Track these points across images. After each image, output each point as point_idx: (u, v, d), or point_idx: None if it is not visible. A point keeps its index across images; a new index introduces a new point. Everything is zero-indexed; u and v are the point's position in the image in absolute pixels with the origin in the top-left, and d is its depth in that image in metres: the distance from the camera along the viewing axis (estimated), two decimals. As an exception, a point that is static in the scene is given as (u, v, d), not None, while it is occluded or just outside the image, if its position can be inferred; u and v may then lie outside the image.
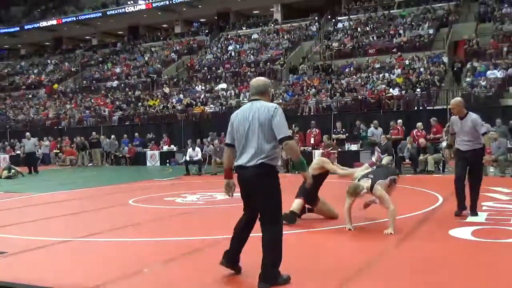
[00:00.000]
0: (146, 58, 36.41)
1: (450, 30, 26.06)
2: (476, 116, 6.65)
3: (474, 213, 6.64)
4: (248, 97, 24.06)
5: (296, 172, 15.49)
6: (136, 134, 23.89)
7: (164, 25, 43.93)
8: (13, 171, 17.33)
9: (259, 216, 4.02)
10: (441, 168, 13.98)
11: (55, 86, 36.92)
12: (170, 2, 38.28)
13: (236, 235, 4.23)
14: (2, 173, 17.12)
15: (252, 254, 4.11)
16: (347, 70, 25.35)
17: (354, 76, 24.10)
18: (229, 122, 4.18)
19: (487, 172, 11.76)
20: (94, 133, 23.51)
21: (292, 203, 6.64)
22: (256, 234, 4.10)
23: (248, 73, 28.51)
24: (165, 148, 22.63)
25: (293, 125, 18.25)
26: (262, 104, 3.97)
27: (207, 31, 38.73)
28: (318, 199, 6.76)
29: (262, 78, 4.37)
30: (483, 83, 19.41)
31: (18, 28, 45.95)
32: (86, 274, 4.47)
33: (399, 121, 16.07)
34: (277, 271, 3.96)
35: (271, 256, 3.91)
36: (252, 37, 33.94)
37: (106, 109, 29.20)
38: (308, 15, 34.65)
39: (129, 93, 31.06)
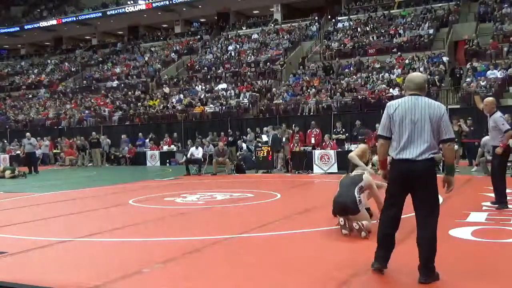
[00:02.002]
0: (146, 58, 36.42)
1: (450, 30, 26.07)
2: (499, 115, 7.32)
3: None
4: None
5: (296, 172, 15.52)
6: (140, 134, 23.94)
7: (164, 25, 43.94)
8: (17, 171, 17.39)
9: (420, 210, 3.94)
10: (441, 168, 13.96)
11: (62, 84, 37.12)
12: (170, 2, 38.29)
13: (388, 233, 4.11)
14: (5, 174, 17.16)
15: (248, 255, 4.09)
16: (347, 70, 25.36)
17: (354, 76, 24.11)
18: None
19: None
20: (94, 133, 23.52)
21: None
22: (266, 233, 4.08)
23: (248, 73, 28.53)
24: (165, 148, 22.63)
25: (293, 125, 18.27)
26: (430, 101, 4.02)
27: (207, 31, 38.76)
28: None
29: (420, 74, 4.35)
30: (483, 83, 19.41)
31: (18, 28, 45.96)
32: (86, 274, 4.47)
33: None
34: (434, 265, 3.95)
35: (433, 249, 3.91)
36: (252, 37, 33.95)
37: (106, 109, 29.20)
38: (308, 15, 34.67)
39: (129, 93, 31.06)
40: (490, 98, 7.73)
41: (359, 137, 8.97)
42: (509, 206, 7.24)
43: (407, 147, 3.93)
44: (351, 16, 31.72)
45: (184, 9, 39.70)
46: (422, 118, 3.92)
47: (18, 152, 23.59)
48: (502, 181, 7.35)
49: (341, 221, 5.62)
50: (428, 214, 3.92)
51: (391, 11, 30.68)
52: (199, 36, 37.75)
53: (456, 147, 13.84)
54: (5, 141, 26.67)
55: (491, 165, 7.64)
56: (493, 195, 7.56)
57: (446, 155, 4.15)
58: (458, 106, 19.02)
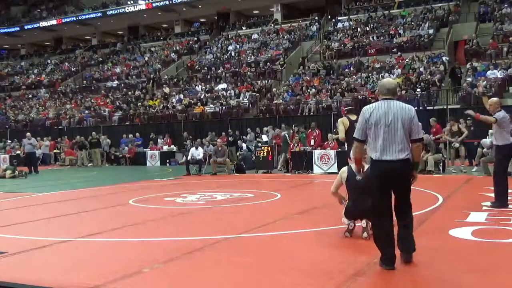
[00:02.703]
0: (146, 58, 36.42)
1: (450, 30, 26.07)
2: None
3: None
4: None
5: (296, 172, 15.52)
6: (137, 134, 23.94)
7: (164, 25, 43.95)
8: (17, 172, 17.41)
9: (399, 203, 4.39)
10: (441, 168, 13.97)
11: (62, 84, 37.21)
12: (170, 2, 38.29)
13: (388, 229, 4.37)
14: (6, 174, 17.18)
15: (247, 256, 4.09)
16: (347, 70, 25.37)
17: (354, 76, 24.11)
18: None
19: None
20: (94, 133, 23.53)
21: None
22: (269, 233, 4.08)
23: (248, 73, 28.54)
24: (165, 148, 22.64)
25: (293, 125, 18.25)
26: (402, 104, 4.36)
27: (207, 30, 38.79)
28: None
29: (392, 80, 4.77)
30: (483, 83, 19.41)
31: (18, 28, 45.97)
32: (86, 274, 4.47)
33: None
34: None
35: (412, 231, 4.42)
36: (252, 37, 33.96)
37: (106, 109, 29.21)
38: (308, 15, 34.68)
39: (129, 93, 31.07)
40: (495, 99, 7.87)
41: (348, 107, 8.81)
42: (510, 206, 7.25)
43: (385, 148, 4.26)
44: (351, 16, 31.73)
45: (184, 9, 39.71)
46: (395, 121, 4.26)
47: (18, 152, 23.59)
48: (504, 180, 7.38)
49: (351, 225, 5.57)
50: (406, 202, 4.42)
51: (391, 11, 30.69)
52: (199, 36, 37.77)
53: (457, 145, 13.85)
54: (9, 141, 26.60)
55: (494, 164, 7.67)
56: (493, 195, 7.55)
57: (414, 153, 4.40)
58: (458, 106, 19.02)
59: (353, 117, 7.81)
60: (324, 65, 26.14)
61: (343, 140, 8.54)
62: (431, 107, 19.17)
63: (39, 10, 48.01)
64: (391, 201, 4.39)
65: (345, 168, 5.67)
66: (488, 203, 7.56)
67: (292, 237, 5.97)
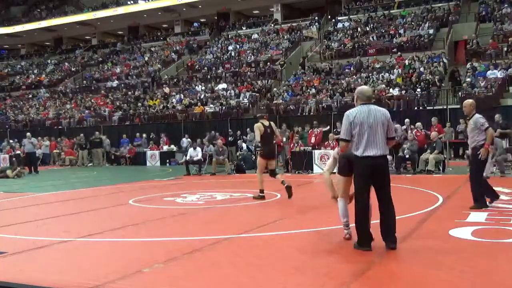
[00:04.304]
0: (146, 58, 36.42)
1: (450, 30, 26.06)
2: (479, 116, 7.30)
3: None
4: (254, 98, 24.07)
5: (296, 172, 15.52)
6: (137, 134, 23.93)
7: (164, 25, 43.95)
8: (18, 169, 17.51)
9: (381, 192, 4.99)
10: (441, 168, 13.97)
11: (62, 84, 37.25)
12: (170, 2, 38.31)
13: (366, 214, 4.99)
14: (7, 173, 17.24)
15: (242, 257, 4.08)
16: (347, 70, 25.36)
17: (354, 76, 24.10)
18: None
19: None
20: (97, 132, 23.55)
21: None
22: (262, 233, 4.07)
23: (248, 73, 28.53)
24: (165, 148, 22.63)
25: (293, 125, 18.25)
26: (378, 108, 5.05)
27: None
28: None
29: (368, 88, 5.48)
30: (483, 83, 19.41)
31: (18, 28, 45.94)
32: (86, 274, 4.47)
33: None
34: None
35: (394, 220, 5.00)
36: (252, 37, 33.96)
37: (106, 109, 29.20)
38: (308, 15, 34.67)
39: (129, 93, 31.06)
40: (470, 100, 7.70)
41: (259, 115, 9.44)
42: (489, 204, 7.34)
43: (368, 146, 4.89)
44: (351, 16, 31.72)
45: (184, 9, 39.71)
46: (375, 122, 4.91)
47: (19, 152, 23.57)
48: (480, 181, 7.37)
49: (347, 236, 5.58)
50: (387, 192, 5.01)
51: (391, 11, 30.68)
52: (199, 36, 37.77)
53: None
54: (11, 141, 26.54)
55: (470, 167, 7.55)
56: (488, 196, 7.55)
57: (390, 147, 5.23)
58: (458, 106, 19.03)
59: (266, 123, 9.39)
60: (324, 65, 26.13)
61: (258, 143, 9.69)
62: (431, 107, 19.17)
63: (39, 10, 48.02)
64: (370, 188, 5.00)
65: (336, 149, 5.82)
66: (489, 204, 7.56)
67: (292, 237, 5.97)
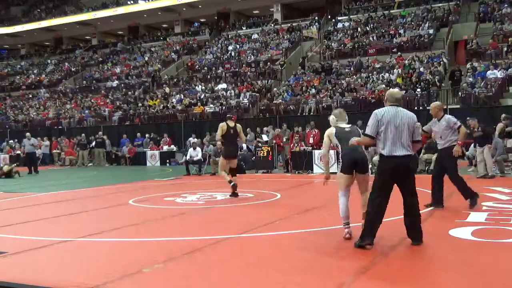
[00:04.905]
0: (146, 58, 36.42)
1: (450, 30, 26.06)
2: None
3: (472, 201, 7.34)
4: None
5: (296, 172, 15.53)
6: (138, 134, 23.92)
7: (164, 25, 43.95)
8: (13, 166, 17.57)
9: (405, 190, 5.16)
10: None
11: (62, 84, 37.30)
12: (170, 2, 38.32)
13: (380, 212, 5.08)
14: (4, 168, 17.33)
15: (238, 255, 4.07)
16: (347, 70, 25.36)
17: (354, 76, 24.10)
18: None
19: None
20: (100, 132, 23.56)
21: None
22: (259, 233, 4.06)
23: (248, 73, 28.53)
24: (165, 148, 22.63)
25: (293, 125, 18.24)
26: (406, 111, 5.22)
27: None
28: None
29: (398, 91, 5.72)
30: (483, 83, 19.41)
31: (18, 28, 45.94)
32: (86, 274, 4.47)
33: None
34: None
35: (420, 218, 5.23)
36: (252, 37, 33.95)
37: (106, 109, 29.20)
38: (308, 15, 34.67)
39: (129, 93, 31.06)
40: (436, 103, 7.88)
41: (227, 115, 9.94)
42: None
43: (394, 145, 5.03)
44: (351, 16, 31.71)
45: (184, 9, 39.72)
46: (402, 124, 5.07)
47: (18, 152, 23.59)
48: (460, 179, 7.48)
49: (347, 235, 5.56)
50: (412, 188, 5.21)
51: (391, 11, 30.68)
52: (199, 36, 37.76)
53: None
54: (11, 141, 26.54)
55: (447, 168, 7.52)
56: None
57: (414, 150, 5.29)
58: (458, 106, 19.03)
59: (231, 124, 9.75)
60: (323, 65, 26.12)
61: (220, 141, 9.93)
62: (431, 107, 19.14)
63: (39, 10, 48.02)
64: (390, 191, 5.09)
65: (331, 129, 5.76)
66: (489, 203, 7.55)
67: (292, 237, 5.97)
